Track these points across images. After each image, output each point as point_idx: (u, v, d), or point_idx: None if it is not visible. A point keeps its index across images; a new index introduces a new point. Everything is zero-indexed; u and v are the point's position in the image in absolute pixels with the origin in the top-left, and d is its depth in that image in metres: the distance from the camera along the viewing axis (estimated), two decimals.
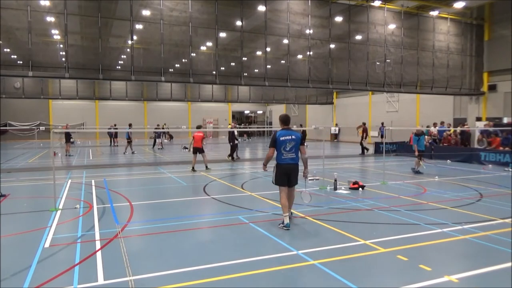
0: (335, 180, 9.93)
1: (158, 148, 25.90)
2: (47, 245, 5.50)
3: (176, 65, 17.94)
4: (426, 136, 20.35)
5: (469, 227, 6.42)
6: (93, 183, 11.09)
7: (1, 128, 32.21)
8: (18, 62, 16.23)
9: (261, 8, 17.75)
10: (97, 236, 5.94)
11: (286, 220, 6.26)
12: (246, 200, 8.85)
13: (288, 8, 18.05)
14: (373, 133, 32.06)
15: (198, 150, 13.96)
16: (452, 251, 5.42)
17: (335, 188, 9.82)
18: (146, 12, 16.13)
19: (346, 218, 7.08)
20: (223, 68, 18.21)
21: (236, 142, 17.94)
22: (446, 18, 21.87)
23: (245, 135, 42.37)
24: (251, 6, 17.81)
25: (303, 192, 7.48)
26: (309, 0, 18.45)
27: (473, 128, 20.27)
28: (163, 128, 34.19)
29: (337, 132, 36.83)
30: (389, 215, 7.33)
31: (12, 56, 16.87)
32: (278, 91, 37.10)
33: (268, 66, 18.55)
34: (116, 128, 27.77)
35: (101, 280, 4.27)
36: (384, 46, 20.34)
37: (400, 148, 21.15)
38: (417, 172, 13.22)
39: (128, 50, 16.58)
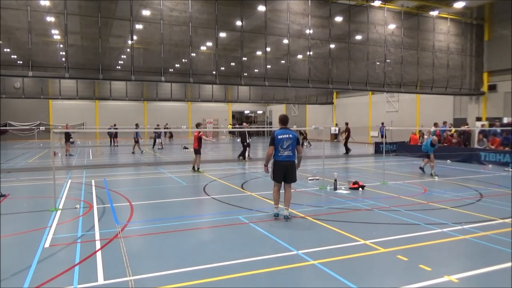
0: (335, 180, 9.93)
1: (158, 148, 25.91)
2: (47, 245, 5.50)
3: (176, 65, 17.94)
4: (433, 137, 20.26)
5: (469, 227, 6.42)
6: (93, 183, 11.09)
7: (1, 128, 32.21)
8: (18, 62, 16.23)
9: (261, 8, 17.75)
10: (97, 236, 5.94)
11: (276, 211, 6.95)
12: (246, 200, 8.85)
13: (288, 8, 18.06)
14: (373, 133, 32.08)
15: (195, 150, 13.60)
16: (452, 251, 5.43)
17: (335, 188, 9.82)
18: (146, 12, 16.13)
19: (346, 218, 7.08)
20: (223, 68, 18.22)
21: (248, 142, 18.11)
22: (446, 18, 21.87)
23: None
24: (251, 6, 17.81)
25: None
26: (309, 0, 18.45)
27: (473, 128, 20.27)
28: (165, 128, 34.22)
29: (337, 132, 36.83)
30: (389, 215, 7.33)
31: (12, 56, 16.86)
32: (278, 91, 37.11)
33: (268, 66, 18.56)
34: (116, 128, 27.77)
35: (101, 280, 4.27)
36: (384, 46, 20.34)
37: (400, 148, 21.15)
38: (434, 175, 12.64)
39: (128, 50, 16.59)
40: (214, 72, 17.45)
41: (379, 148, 20.65)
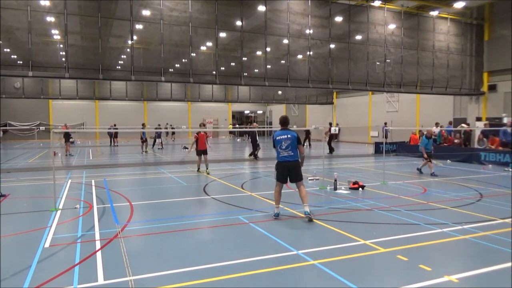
0: (335, 180, 9.93)
1: (158, 148, 25.92)
2: (47, 245, 5.50)
3: (176, 65, 17.94)
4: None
5: (469, 227, 6.42)
6: (93, 183, 11.09)
7: (1, 128, 32.21)
8: (18, 62, 16.22)
9: (261, 8, 17.75)
10: (97, 236, 5.94)
11: (276, 210, 6.96)
12: (246, 200, 8.85)
13: (288, 8, 18.05)
14: (373, 133, 32.09)
15: (202, 152, 13.27)
16: (452, 251, 5.43)
17: (335, 188, 9.82)
18: (146, 12, 16.13)
19: (346, 218, 7.08)
20: (223, 68, 18.22)
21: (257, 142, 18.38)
22: (446, 18, 21.87)
23: (245, 135, 42.39)
24: (251, 6, 17.81)
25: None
26: (309, 0, 18.45)
27: (474, 128, 20.27)
28: (166, 128, 34.24)
29: (337, 132, 36.84)
30: (389, 215, 7.33)
31: (12, 56, 16.86)
32: (278, 91, 37.12)
33: (268, 66, 18.55)
34: (116, 128, 27.77)
35: (101, 280, 4.27)
36: (384, 46, 20.34)
37: (400, 148, 21.15)
38: (433, 175, 12.70)
39: (128, 50, 16.58)
40: (214, 72, 17.45)
41: (379, 148, 20.66)
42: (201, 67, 17.86)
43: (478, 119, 22.42)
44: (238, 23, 17.66)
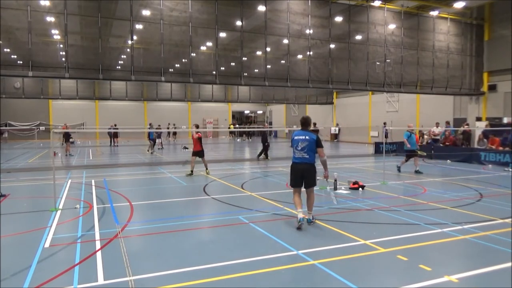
0: (335, 180, 9.93)
1: (158, 148, 25.90)
2: (47, 245, 5.50)
3: (176, 65, 17.93)
4: (425, 136, 20.45)
5: (469, 227, 6.42)
6: (93, 183, 11.09)
7: (1, 128, 32.21)
8: (18, 62, 16.22)
9: (261, 8, 17.74)
10: (97, 236, 5.94)
11: (300, 215, 6.35)
12: (246, 200, 8.85)
13: (288, 8, 18.04)
14: (373, 133, 32.08)
15: (198, 153, 12.89)
16: (452, 251, 5.43)
17: (335, 188, 9.82)
18: (146, 12, 16.12)
19: (346, 218, 7.08)
20: (223, 68, 18.21)
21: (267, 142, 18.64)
22: (446, 18, 21.86)
23: (244, 135, 42.41)
24: (251, 6, 17.80)
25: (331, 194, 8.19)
26: (309, 0, 18.45)
27: (473, 128, 20.27)
28: (168, 128, 34.25)
29: (337, 132, 36.86)
30: (389, 215, 7.33)
31: (12, 56, 16.85)
32: (278, 91, 37.11)
33: (268, 66, 18.55)
34: (116, 128, 27.77)
35: (101, 280, 4.27)
36: (384, 46, 20.33)
37: (400, 148, 21.11)
38: (417, 172, 13.21)
39: (128, 50, 16.58)
40: (214, 72, 17.44)
41: (379, 148, 20.66)
42: (201, 67, 17.86)
43: (478, 119, 22.42)
44: (238, 23, 17.65)
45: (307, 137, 6.45)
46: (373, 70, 20.60)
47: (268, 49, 18.35)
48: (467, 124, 21.49)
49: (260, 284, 4.21)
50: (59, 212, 7.52)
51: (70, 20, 15.15)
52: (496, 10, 22.22)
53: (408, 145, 13.43)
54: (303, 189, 6.60)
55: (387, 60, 20.62)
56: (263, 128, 20.98)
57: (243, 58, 17.95)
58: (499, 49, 21.81)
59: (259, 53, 19.71)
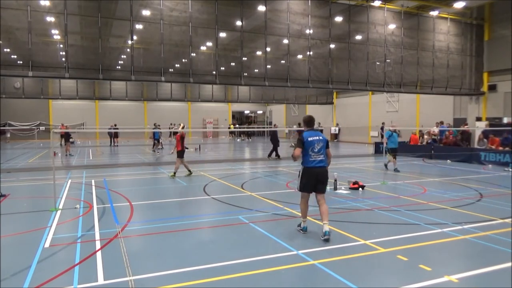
0: (335, 180, 9.93)
1: (158, 148, 25.89)
2: (47, 245, 5.50)
3: (176, 65, 17.94)
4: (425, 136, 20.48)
5: (469, 227, 6.42)
6: (93, 183, 11.09)
7: (1, 128, 32.22)
8: (18, 62, 16.23)
9: (261, 8, 17.74)
10: (97, 236, 5.94)
11: (304, 224, 6.10)
12: (246, 200, 8.85)
13: (288, 8, 18.05)
14: (373, 133, 32.08)
15: (178, 152, 12.32)
16: (452, 251, 5.43)
17: (335, 188, 9.82)
18: (146, 12, 16.13)
19: (346, 218, 7.08)
20: (223, 68, 18.21)
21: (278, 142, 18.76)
22: (446, 18, 21.87)
23: (242, 135, 42.42)
24: (251, 6, 17.80)
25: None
26: (309, 0, 18.45)
27: (473, 128, 20.26)
28: (170, 128, 34.22)
29: (337, 132, 36.87)
30: (389, 215, 7.33)
31: (12, 56, 16.86)
32: (278, 91, 37.11)
33: (268, 66, 18.55)
34: (117, 128, 27.77)
35: (101, 280, 4.27)
36: (384, 46, 20.34)
37: (400, 148, 21.08)
38: (395, 170, 13.50)
39: (128, 50, 16.58)
40: (214, 72, 17.45)
41: (379, 148, 20.65)
42: (201, 67, 17.86)
43: (478, 119, 22.43)
44: (238, 23, 17.66)
45: (320, 138, 5.99)
46: (373, 70, 20.60)
47: (268, 49, 18.35)
48: (466, 125, 21.50)
49: (260, 284, 4.21)
50: (59, 212, 7.52)
51: (70, 20, 15.16)
52: (496, 10, 22.22)
53: (385, 144, 13.93)
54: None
55: (387, 60, 20.63)
56: (273, 128, 20.96)
57: (243, 58, 17.95)
58: (499, 49, 21.81)
59: (259, 53, 19.72)
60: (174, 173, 12.38)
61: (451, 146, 18.75)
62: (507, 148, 16.20)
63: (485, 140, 17.60)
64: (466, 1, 20.45)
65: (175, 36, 16.63)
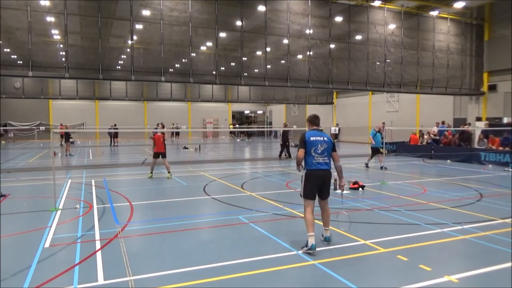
0: (335, 180, 9.91)
1: None
2: (47, 245, 5.50)
3: (176, 65, 17.95)
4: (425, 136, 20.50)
5: (469, 227, 6.42)
6: (93, 183, 11.09)
7: (7, 128, 32.22)
8: (18, 62, 16.23)
9: (261, 8, 17.75)
10: (97, 236, 5.94)
11: (311, 241, 5.08)
12: (246, 200, 8.85)
13: (288, 8, 18.06)
14: None
15: (160, 154, 12.12)
16: (452, 251, 5.42)
17: (335, 188, 9.80)
18: (146, 12, 16.13)
19: (346, 218, 7.07)
20: (223, 68, 18.22)
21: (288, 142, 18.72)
22: (446, 18, 21.88)
23: (242, 135, 42.44)
24: (251, 6, 17.81)
25: (340, 214, 6.84)
26: (309, 0, 18.45)
27: (473, 128, 20.26)
28: (171, 128, 34.24)
29: (337, 132, 36.88)
30: (389, 215, 7.33)
31: (12, 56, 16.87)
32: (278, 91, 37.12)
33: (268, 66, 18.56)
34: (116, 128, 27.76)
35: (101, 280, 4.27)
36: (384, 46, 20.34)
37: (400, 148, 21.14)
38: (382, 168, 13.53)
39: (128, 50, 16.59)
40: (214, 72, 17.45)
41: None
42: (201, 67, 17.87)
43: (478, 119, 22.43)
44: (238, 23, 17.66)
45: (325, 139, 5.47)
46: (373, 70, 20.61)
47: (268, 49, 18.36)
48: (468, 124, 21.49)
49: (260, 284, 4.21)
50: (59, 212, 7.52)
51: (70, 20, 15.16)
52: (496, 10, 22.23)
53: (373, 142, 14.56)
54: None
55: (387, 60, 20.63)
56: (284, 128, 20.86)
57: (243, 58, 17.96)
58: (499, 49, 21.82)
59: (259, 53, 19.72)
60: (169, 172, 12.28)
61: (451, 146, 18.76)
62: (507, 148, 16.20)
63: (485, 140, 17.60)
64: (466, 1, 20.46)
65: (175, 36, 16.64)
